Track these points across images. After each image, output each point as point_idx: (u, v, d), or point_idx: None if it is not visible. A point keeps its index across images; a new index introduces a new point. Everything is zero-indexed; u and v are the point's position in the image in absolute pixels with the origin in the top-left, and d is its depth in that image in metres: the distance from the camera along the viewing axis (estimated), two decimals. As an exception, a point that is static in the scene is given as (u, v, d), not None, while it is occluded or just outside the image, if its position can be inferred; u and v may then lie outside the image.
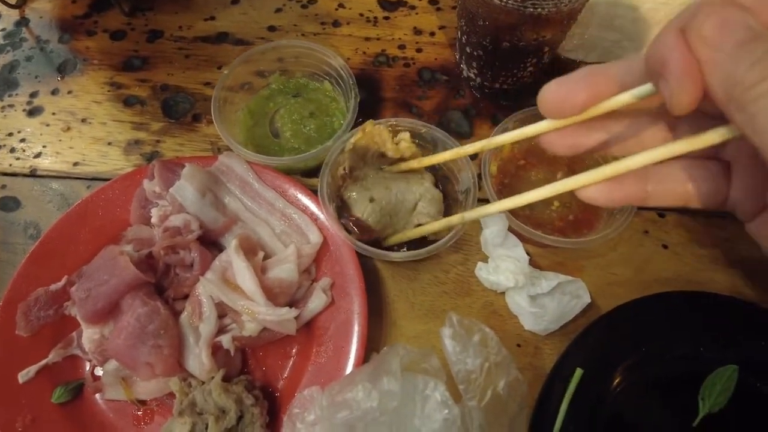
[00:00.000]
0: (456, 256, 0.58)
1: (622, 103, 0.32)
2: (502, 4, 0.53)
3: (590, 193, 0.34)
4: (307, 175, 0.63)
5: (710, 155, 0.34)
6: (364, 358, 0.50)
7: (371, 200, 0.53)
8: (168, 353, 0.49)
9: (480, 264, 0.56)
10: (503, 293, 0.56)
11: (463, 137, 0.64)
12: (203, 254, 0.54)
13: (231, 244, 0.53)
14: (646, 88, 0.30)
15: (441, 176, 0.59)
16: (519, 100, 0.67)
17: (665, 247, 0.58)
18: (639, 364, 0.51)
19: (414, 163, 0.53)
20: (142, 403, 0.52)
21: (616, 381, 0.50)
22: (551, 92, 0.32)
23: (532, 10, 0.53)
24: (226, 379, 0.50)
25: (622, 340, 0.52)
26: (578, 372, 0.49)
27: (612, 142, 0.35)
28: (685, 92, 0.26)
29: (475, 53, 0.63)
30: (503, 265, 0.54)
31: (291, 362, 0.53)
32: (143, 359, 0.48)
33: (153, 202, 0.57)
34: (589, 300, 0.53)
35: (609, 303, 0.54)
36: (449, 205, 0.59)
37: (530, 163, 0.61)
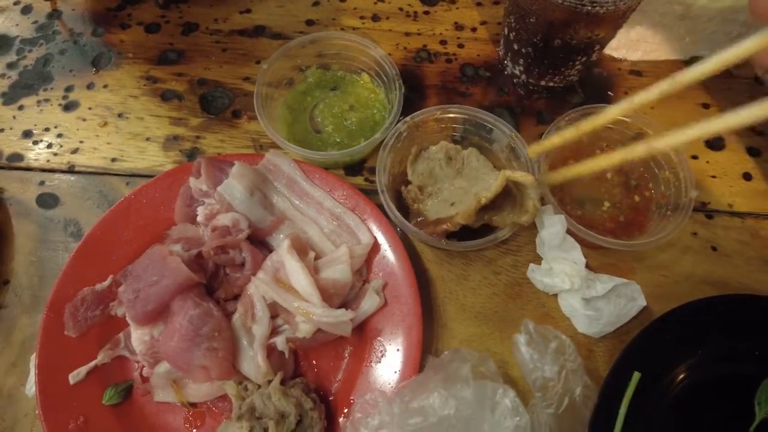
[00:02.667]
0: (507, 258, 0.57)
1: None
2: (560, 1, 0.52)
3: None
4: (351, 173, 0.62)
5: None
6: (420, 360, 0.50)
7: (452, 204, 0.53)
8: (223, 356, 0.48)
9: (532, 266, 0.56)
10: (555, 295, 0.55)
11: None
12: (254, 254, 0.53)
13: (283, 244, 0.52)
14: None
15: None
16: (564, 98, 0.66)
17: (714, 249, 0.58)
18: (695, 368, 0.50)
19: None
20: (193, 405, 0.51)
21: (673, 385, 0.50)
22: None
23: (590, 8, 0.52)
24: (282, 381, 0.49)
25: (677, 343, 0.51)
26: (636, 375, 0.49)
27: None
28: None
29: (523, 50, 0.62)
30: (558, 267, 0.54)
31: (344, 364, 0.52)
32: (198, 362, 0.47)
33: (199, 200, 0.56)
34: (644, 303, 0.53)
35: (660, 305, 0.54)
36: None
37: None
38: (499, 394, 0.41)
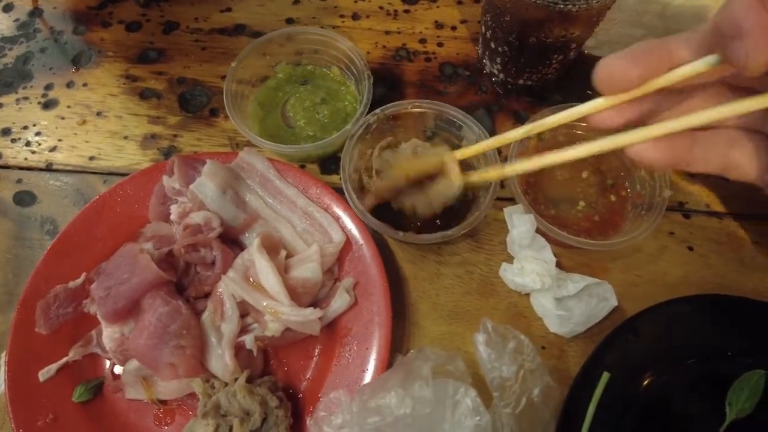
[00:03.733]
0: (479, 257, 0.57)
1: (682, 77, 0.32)
2: (532, 0, 0.52)
3: (639, 149, 0.33)
4: (326, 171, 0.62)
5: (757, 128, 0.34)
6: (389, 359, 0.50)
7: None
8: (190, 354, 0.48)
9: (505, 265, 0.55)
10: (528, 294, 0.55)
11: (485, 134, 0.63)
12: (225, 252, 0.53)
13: (253, 242, 0.53)
14: (710, 59, 0.30)
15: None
16: (542, 97, 0.66)
17: (690, 249, 0.58)
18: (666, 368, 0.50)
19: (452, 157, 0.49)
20: (163, 402, 0.51)
21: (643, 385, 0.50)
22: (608, 66, 0.32)
23: (562, 6, 0.52)
24: (249, 379, 0.49)
25: (648, 343, 0.51)
26: (605, 376, 0.48)
27: (659, 113, 0.35)
28: (762, 51, 0.27)
29: (499, 49, 0.61)
30: (529, 267, 0.54)
31: (313, 362, 0.52)
32: (165, 360, 0.48)
33: (172, 199, 0.57)
34: (615, 303, 0.52)
35: (634, 305, 0.53)
36: (470, 201, 0.58)
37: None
38: (460, 393, 0.41)
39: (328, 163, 0.62)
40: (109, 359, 0.53)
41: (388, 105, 0.56)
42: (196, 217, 0.54)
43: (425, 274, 0.57)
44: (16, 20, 0.73)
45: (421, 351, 0.44)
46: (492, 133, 0.63)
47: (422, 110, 0.57)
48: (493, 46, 0.62)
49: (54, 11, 0.73)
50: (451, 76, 0.67)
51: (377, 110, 0.56)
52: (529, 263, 0.53)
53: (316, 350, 0.53)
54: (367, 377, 0.49)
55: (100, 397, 0.52)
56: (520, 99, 0.66)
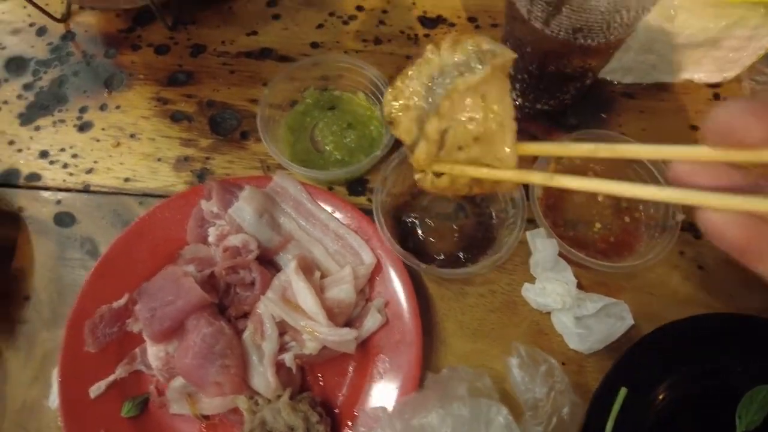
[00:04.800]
0: (502, 277, 0.60)
1: None
2: (554, 35, 0.55)
3: (713, 220, 0.28)
4: (354, 193, 0.65)
5: None
6: (420, 376, 0.53)
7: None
8: (234, 372, 0.51)
9: (527, 285, 0.59)
10: (549, 313, 0.58)
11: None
12: (263, 274, 0.56)
13: (290, 264, 0.55)
14: None
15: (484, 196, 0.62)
16: (558, 120, 0.69)
17: (701, 268, 0.61)
18: (680, 383, 0.53)
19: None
20: (206, 417, 0.54)
21: (659, 399, 0.53)
22: (727, 115, 0.27)
23: (582, 41, 0.55)
24: (290, 396, 0.52)
25: (663, 360, 0.54)
26: (623, 391, 0.52)
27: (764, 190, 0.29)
28: None
29: (519, 76, 0.64)
30: (550, 287, 0.57)
31: (348, 379, 0.55)
32: (211, 379, 0.51)
33: (210, 222, 0.59)
34: (632, 322, 0.56)
35: (648, 323, 0.56)
36: (491, 225, 0.61)
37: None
38: (493, 411, 0.44)
39: (355, 186, 0.65)
40: (152, 376, 0.56)
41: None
42: (235, 240, 0.57)
43: (450, 293, 0.60)
44: (50, 44, 0.75)
45: (455, 370, 0.47)
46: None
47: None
48: (512, 73, 0.65)
49: (85, 34, 0.76)
50: (471, 99, 0.69)
51: None
52: (550, 284, 0.57)
53: (351, 367, 0.56)
54: (401, 393, 0.52)
55: (146, 413, 0.55)
56: (537, 123, 0.69)
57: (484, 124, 0.37)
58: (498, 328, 0.58)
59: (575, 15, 0.52)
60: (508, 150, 0.38)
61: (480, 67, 0.37)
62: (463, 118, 0.37)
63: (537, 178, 0.41)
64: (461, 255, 0.60)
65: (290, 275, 0.55)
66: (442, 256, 0.60)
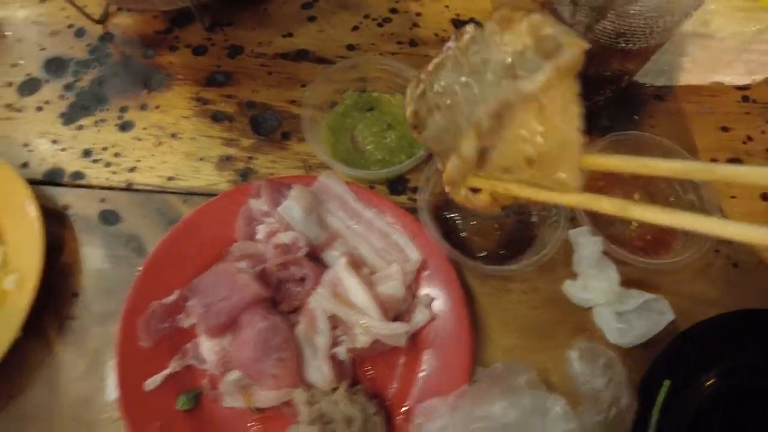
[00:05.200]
0: (543, 274, 0.62)
1: None
2: (596, 39, 0.56)
3: None
4: (395, 192, 0.66)
5: None
6: (470, 370, 0.54)
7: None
8: (291, 365, 0.53)
9: (568, 282, 0.60)
10: (590, 308, 0.60)
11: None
12: (314, 270, 0.57)
13: (340, 261, 0.57)
14: None
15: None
16: (590, 122, 0.71)
17: (735, 265, 0.63)
18: (720, 377, 0.55)
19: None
20: (260, 410, 0.55)
21: (701, 392, 0.55)
22: None
23: (624, 45, 0.56)
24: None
25: (701, 355, 0.56)
26: (666, 383, 0.54)
27: None
28: None
29: (556, 78, 0.66)
30: (592, 284, 0.58)
31: (397, 373, 0.57)
32: (269, 372, 0.52)
33: (259, 220, 0.61)
34: (673, 317, 0.57)
35: (684, 319, 0.58)
36: (532, 223, 0.63)
37: (609, 185, 0.65)
38: (550, 401, 0.46)
39: (396, 185, 0.67)
40: (204, 370, 0.57)
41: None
42: (285, 237, 0.58)
43: (492, 290, 0.61)
44: (88, 45, 0.76)
45: (510, 364, 0.49)
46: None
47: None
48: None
49: (123, 35, 0.77)
50: (506, 101, 0.71)
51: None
52: (593, 280, 0.58)
53: (400, 361, 0.57)
54: (452, 387, 0.53)
55: (199, 406, 0.56)
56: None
57: (541, 145, 0.29)
58: (540, 323, 0.60)
59: (619, 20, 0.54)
60: (570, 173, 0.31)
61: (539, 66, 0.29)
62: (513, 137, 0.28)
63: (607, 206, 0.34)
64: (503, 253, 0.61)
65: (340, 272, 0.56)
66: (484, 254, 0.61)
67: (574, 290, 0.59)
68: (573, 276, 0.61)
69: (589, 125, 0.70)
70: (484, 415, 0.43)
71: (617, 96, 0.70)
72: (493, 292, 0.61)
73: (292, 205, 0.59)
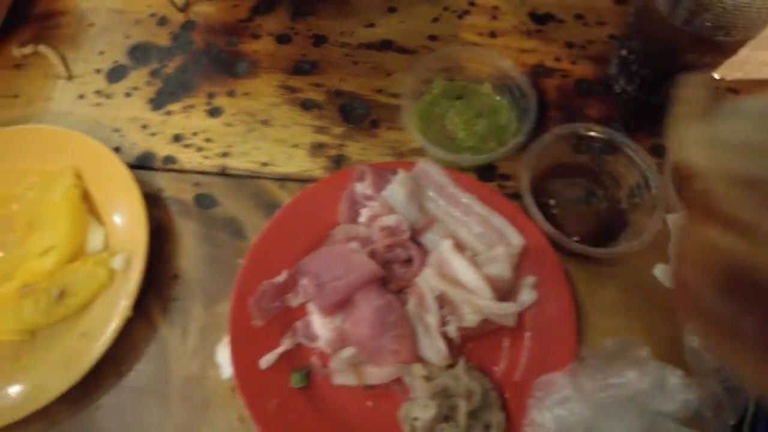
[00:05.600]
0: (634, 258, 0.63)
1: None
2: (693, 32, 0.59)
3: None
4: (485, 179, 0.68)
5: None
6: (575, 351, 0.56)
7: None
8: (409, 342, 0.54)
9: (659, 266, 0.62)
10: (680, 291, 0.62)
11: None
12: (419, 252, 0.59)
13: (444, 243, 0.59)
14: None
15: (596, 175, 0.66)
16: (665, 112, 0.73)
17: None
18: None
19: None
20: (370, 387, 0.57)
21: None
22: None
23: (722, 38, 0.59)
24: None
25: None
26: None
27: None
28: None
29: (642, 71, 0.68)
30: (684, 266, 0.61)
31: (504, 351, 0.58)
32: (388, 348, 0.53)
33: (362, 203, 0.62)
34: None
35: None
36: (623, 210, 0.65)
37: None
38: (668, 371, 0.48)
39: (485, 171, 0.68)
40: (314, 348, 0.58)
41: (564, 126, 0.62)
42: (389, 220, 0.60)
43: (586, 274, 0.63)
44: (171, 32, 0.77)
45: (622, 341, 0.51)
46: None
47: (592, 134, 0.63)
48: (634, 68, 0.69)
49: (205, 24, 0.78)
50: (587, 92, 0.73)
51: (554, 130, 0.62)
52: (685, 263, 0.60)
53: (505, 342, 0.59)
54: (559, 365, 0.55)
55: (310, 384, 0.57)
56: (651, 116, 0.72)
57: None
58: (632, 306, 0.62)
59: (722, 13, 0.56)
60: None
61: None
62: None
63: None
64: (595, 238, 0.63)
65: (446, 253, 0.58)
66: (577, 239, 0.63)
67: (667, 273, 0.62)
68: (664, 259, 0.63)
69: (665, 115, 0.73)
70: (615, 383, 0.45)
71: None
72: (586, 276, 0.63)
73: (397, 190, 0.61)
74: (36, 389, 0.56)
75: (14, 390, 0.57)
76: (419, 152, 0.69)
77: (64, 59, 0.75)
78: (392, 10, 0.79)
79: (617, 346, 0.50)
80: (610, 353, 0.50)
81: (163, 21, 0.78)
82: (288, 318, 0.59)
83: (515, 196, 0.66)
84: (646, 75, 0.68)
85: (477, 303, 0.55)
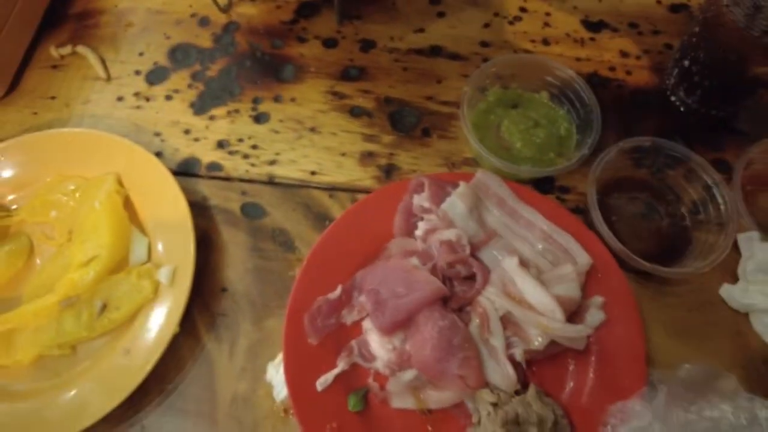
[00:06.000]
0: (698, 276, 0.61)
1: None
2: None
3: None
4: (540, 191, 0.65)
5: None
6: (645, 375, 0.53)
7: None
8: (476, 365, 0.52)
9: (726, 285, 0.60)
10: (746, 313, 0.60)
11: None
12: (483, 269, 0.56)
13: (510, 260, 0.56)
14: None
15: (657, 191, 0.64)
16: (731, 128, 0.70)
17: None
18: None
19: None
20: (430, 412, 0.54)
21: None
22: None
23: (799, 47, 0.56)
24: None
25: None
26: (841, 390, 0.53)
27: None
28: None
29: (705, 82, 0.66)
30: (754, 288, 0.58)
31: (569, 375, 0.56)
32: (455, 371, 0.51)
33: (419, 216, 0.60)
34: (841, 325, 0.57)
35: None
36: (686, 226, 0.63)
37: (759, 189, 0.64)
38: (757, 403, 0.45)
39: (543, 183, 0.66)
40: (370, 369, 0.55)
41: (629, 140, 0.60)
42: (449, 234, 0.57)
43: (648, 292, 0.61)
44: (213, 34, 0.75)
45: (701, 368, 0.48)
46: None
47: (656, 147, 0.61)
48: (696, 79, 0.66)
49: (248, 25, 0.75)
50: (643, 104, 0.71)
51: (620, 143, 0.59)
52: (756, 285, 0.58)
53: (571, 363, 0.56)
54: (628, 391, 0.53)
55: (368, 407, 0.55)
56: (712, 129, 0.70)
57: None
58: (696, 326, 0.59)
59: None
60: None
61: None
62: None
63: None
64: (657, 255, 0.61)
65: (512, 271, 0.55)
66: (640, 256, 0.61)
67: (734, 294, 0.59)
68: (730, 279, 0.61)
69: (729, 131, 0.70)
70: (709, 416, 0.43)
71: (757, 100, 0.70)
72: (649, 294, 0.61)
73: (457, 202, 0.58)
74: (77, 409, 0.54)
75: (53, 409, 0.54)
76: (472, 162, 0.67)
77: (102, 60, 0.72)
78: (441, 15, 0.76)
79: (699, 373, 0.48)
80: (690, 381, 0.48)
81: (204, 21, 0.75)
82: (342, 335, 0.57)
83: (575, 211, 0.64)
84: (710, 87, 0.66)
85: (547, 325, 0.53)
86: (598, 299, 0.57)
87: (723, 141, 0.69)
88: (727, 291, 0.60)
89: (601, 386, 0.54)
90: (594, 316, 0.56)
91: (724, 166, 0.66)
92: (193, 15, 0.76)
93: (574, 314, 0.57)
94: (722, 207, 0.59)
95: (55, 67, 0.73)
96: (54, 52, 0.72)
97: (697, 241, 0.61)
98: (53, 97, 0.71)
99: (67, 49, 0.72)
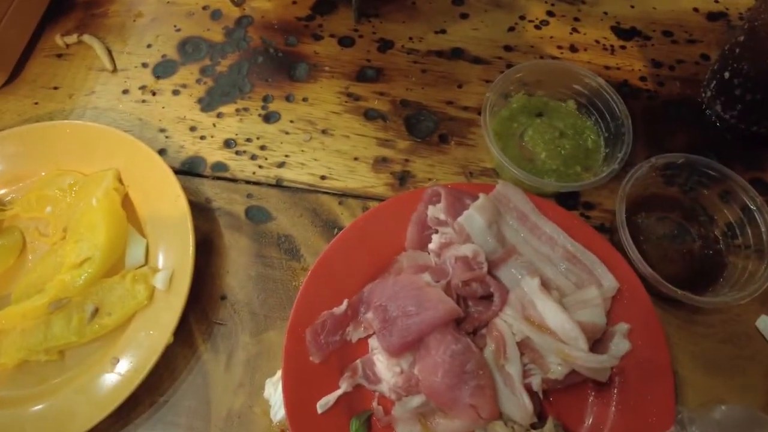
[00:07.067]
0: (733, 307, 0.57)
1: None
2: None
3: None
4: (566, 207, 0.61)
5: None
6: (674, 412, 0.49)
7: None
8: (490, 394, 0.48)
9: (764, 317, 0.56)
10: (785, 348, 0.55)
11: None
12: (501, 290, 0.52)
13: (532, 282, 0.52)
14: None
15: (688, 210, 0.60)
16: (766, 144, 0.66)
17: None
18: None
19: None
20: (439, 440, 0.50)
21: None
22: None
23: None
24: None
25: None
26: None
27: None
28: None
29: (747, 96, 0.61)
30: (794, 321, 0.54)
31: (589, 407, 0.52)
32: (466, 400, 0.47)
33: (433, 229, 0.56)
34: None
35: None
36: (719, 250, 0.58)
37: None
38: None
39: (566, 197, 0.62)
40: (375, 392, 0.52)
41: (662, 155, 0.56)
42: (465, 250, 0.53)
43: (677, 321, 0.57)
44: (225, 27, 0.72)
45: (741, 409, 0.44)
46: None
47: (691, 164, 0.57)
48: (738, 93, 0.62)
49: (262, 20, 0.72)
50: (675, 117, 0.67)
51: (652, 159, 0.55)
52: (797, 318, 0.54)
53: (591, 394, 0.52)
54: (654, 428, 0.48)
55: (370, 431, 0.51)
56: (749, 147, 0.66)
57: None
58: (728, 360, 0.55)
59: None
60: None
61: None
62: None
63: None
64: (688, 280, 0.56)
65: (532, 293, 0.51)
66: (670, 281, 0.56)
67: (774, 328, 0.55)
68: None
69: (764, 148, 0.66)
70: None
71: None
72: (678, 323, 0.56)
73: (475, 216, 0.54)
74: (62, 420, 0.50)
75: (37, 419, 0.51)
76: (491, 173, 0.63)
77: (109, 50, 0.69)
78: (464, 16, 0.72)
79: (737, 416, 0.43)
80: (727, 424, 0.43)
81: (216, 14, 0.72)
82: (346, 354, 0.53)
83: (600, 229, 0.60)
84: (752, 101, 0.61)
85: (568, 353, 0.49)
86: (623, 326, 0.52)
87: (763, 160, 0.64)
88: (764, 323, 0.55)
89: (623, 422, 0.50)
90: (618, 345, 0.51)
91: (763, 186, 0.62)
92: (205, 7, 0.73)
93: (597, 342, 0.53)
94: (764, 232, 0.55)
95: (59, 56, 0.70)
96: (59, 40, 0.69)
97: (733, 267, 0.57)
98: (56, 87, 0.68)
99: (72, 38, 0.69)
